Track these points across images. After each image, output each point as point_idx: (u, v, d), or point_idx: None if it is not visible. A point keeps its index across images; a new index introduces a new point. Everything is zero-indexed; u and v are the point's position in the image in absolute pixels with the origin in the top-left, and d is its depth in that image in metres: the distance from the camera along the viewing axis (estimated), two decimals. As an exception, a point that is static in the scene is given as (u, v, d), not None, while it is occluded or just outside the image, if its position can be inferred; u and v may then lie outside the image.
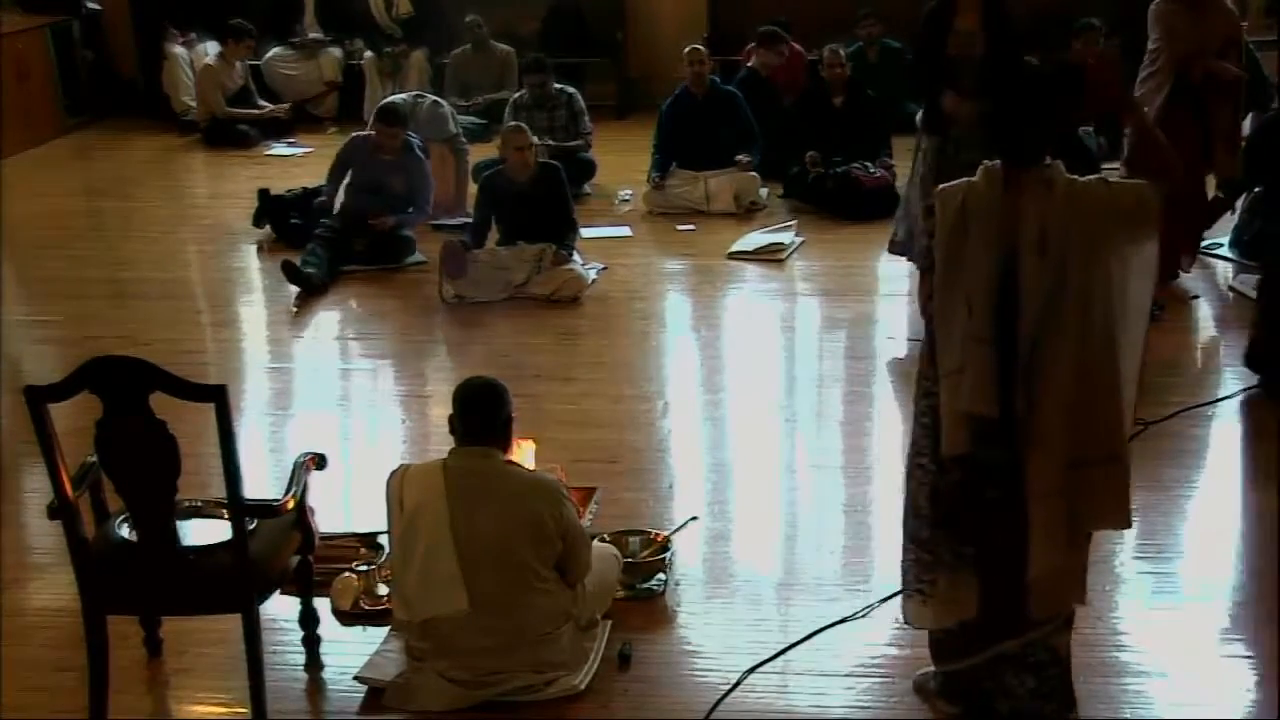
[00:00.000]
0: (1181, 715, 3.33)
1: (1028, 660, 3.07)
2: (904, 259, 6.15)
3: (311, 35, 10.29)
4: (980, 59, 5.59)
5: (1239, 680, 3.49)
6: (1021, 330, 2.81)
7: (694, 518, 4.24)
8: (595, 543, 3.73)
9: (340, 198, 7.19)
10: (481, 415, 3.39)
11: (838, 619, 3.73)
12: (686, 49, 8.14)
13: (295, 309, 6.46)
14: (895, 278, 6.49)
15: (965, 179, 2.89)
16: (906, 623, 3.23)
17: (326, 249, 6.75)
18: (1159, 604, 3.87)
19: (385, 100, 7.88)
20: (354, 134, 7.52)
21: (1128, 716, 3.32)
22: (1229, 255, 6.47)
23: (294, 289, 6.54)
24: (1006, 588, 2.96)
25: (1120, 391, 2.88)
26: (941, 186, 2.92)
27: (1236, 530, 4.28)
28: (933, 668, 3.30)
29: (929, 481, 3.00)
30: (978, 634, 3.07)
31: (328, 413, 5.44)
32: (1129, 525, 2.96)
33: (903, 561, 3.14)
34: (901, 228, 6.15)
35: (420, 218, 7.20)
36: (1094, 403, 2.85)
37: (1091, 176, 2.87)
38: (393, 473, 3.44)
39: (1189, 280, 6.34)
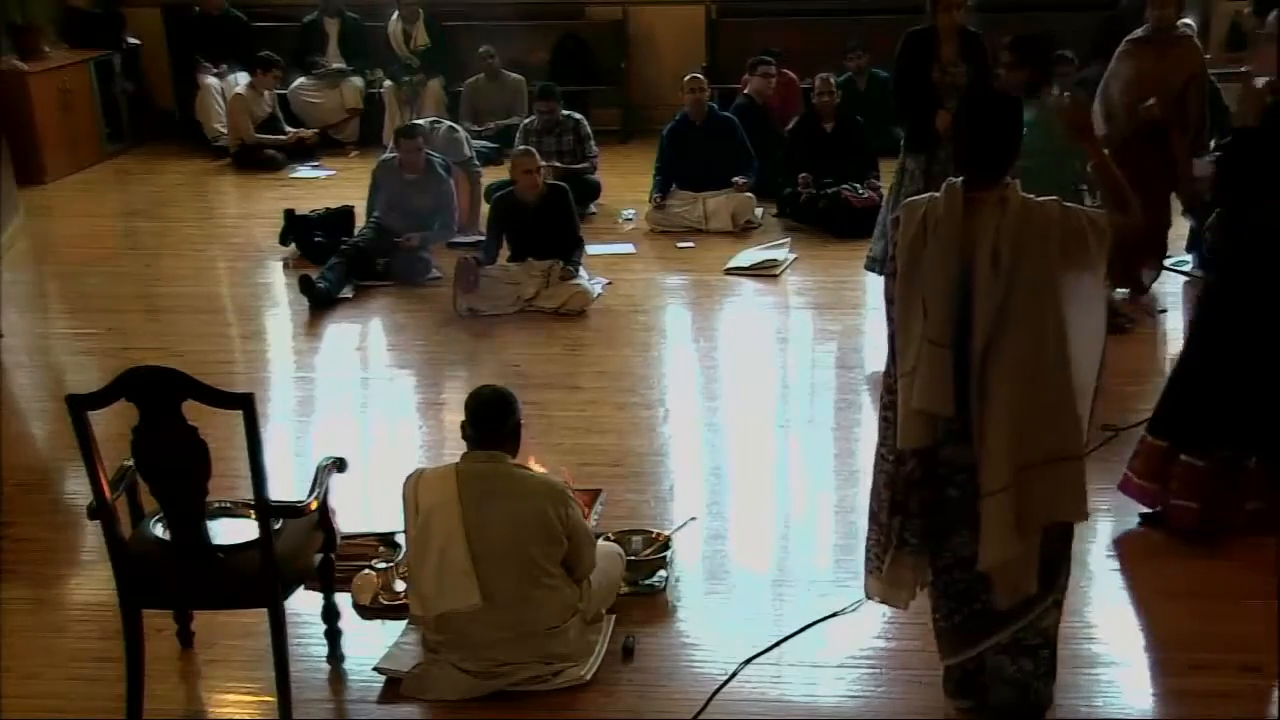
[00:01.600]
0: (1150, 705, 3.32)
1: (1022, 645, 3.06)
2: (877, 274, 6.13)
3: (334, 65, 10.31)
4: (965, 85, 5.60)
5: (1205, 673, 3.49)
6: (975, 336, 2.83)
7: (693, 518, 4.24)
8: (600, 542, 3.73)
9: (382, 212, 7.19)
10: (491, 422, 3.39)
11: (829, 613, 3.73)
12: (686, 77, 8.14)
13: (314, 313, 6.47)
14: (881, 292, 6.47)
15: (929, 194, 2.93)
16: (867, 597, 3.22)
17: (345, 266, 6.78)
18: (1129, 598, 3.87)
19: (406, 123, 7.90)
20: (381, 158, 7.52)
21: (1099, 705, 3.32)
22: (1194, 271, 6.46)
23: (308, 298, 6.56)
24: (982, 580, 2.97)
25: (1074, 398, 2.89)
26: (906, 200, 2.98)
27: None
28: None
29: (887, 470, 3.04)
30: (972, 627, 3.06)
31: (348, 419, 5.44)
32: (1085, 518, 2.97)
33: (865, 540, 3.17)
34: (879, 246, 6.12)
35: (446, 234, 7.20)
36: (1046, 407, 2.86)
37: (1049, 198, 2.89)
38: (408, 477, 3.44)
39: (1158, 293, 6.34)
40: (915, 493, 2.99)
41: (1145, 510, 4.19)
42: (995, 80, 5.50)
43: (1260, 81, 4.35)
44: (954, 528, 2.98)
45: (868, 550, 3.16)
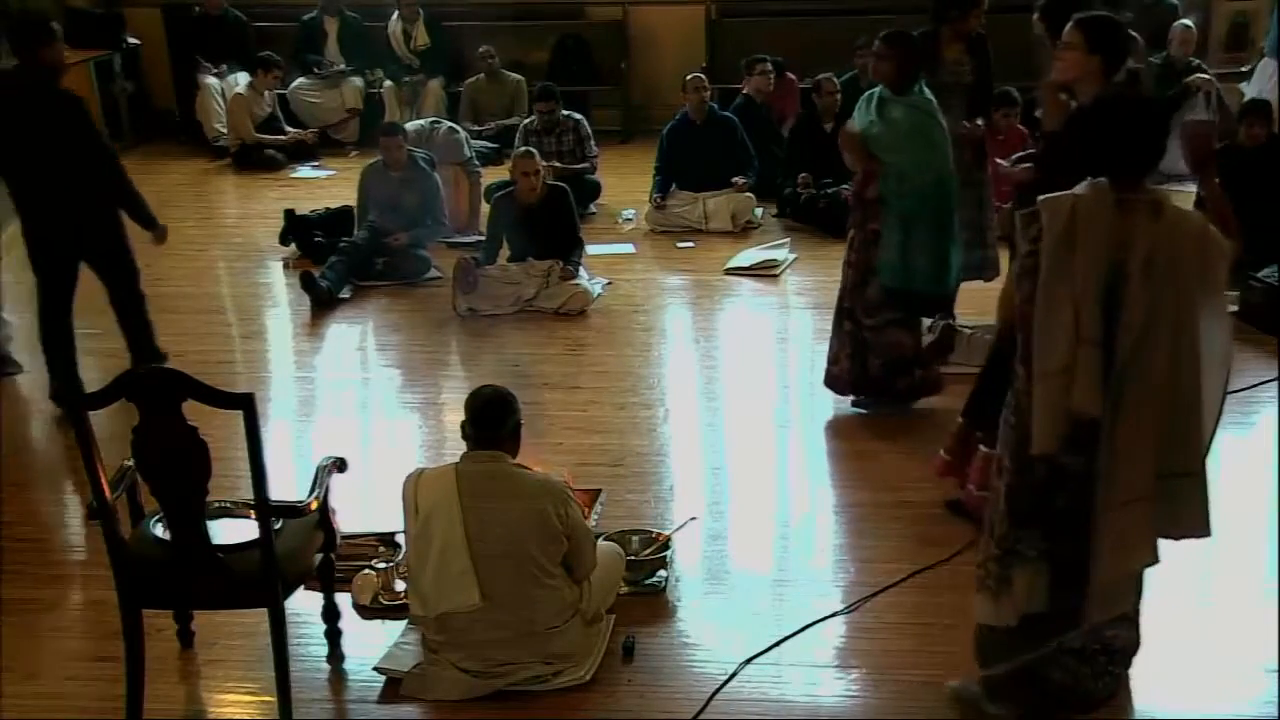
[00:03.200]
0: (1149, 705, 3.32)
1: (1083, 652, 3.05)
2: None
3: (334, 66, 10.31)
4: (971, 85, 5.58)
5: (1207, 671, 3.49)
6: (1122, 340, 2.79)
7: (693, 518, 4.24)
8: (600, 541, 3.73)
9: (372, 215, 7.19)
10: (491, 422, 3.39)
11: (829, 613, 3.73)
12: (687, 77, 8.14)
13: (315, 313, 6.48)
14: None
15: (1073, 191, 2.83)
16: (977, 620, 3.11)
17: (345, 265, 6.78)
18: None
19: (385, 121, 7.89)
20: (366, 164, 7.48)
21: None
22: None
23: (310, 295, 6.57)
24: (1074, 587, 2.93)
25: (1203, 411, 2.86)
26: (1047, 197, 2.83)
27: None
28: (975, 675, 3.21)
29: (1009, 481, 2.94)
30: (1036, 630, 3.01)
31: (348, 419, 5.44)
32: (1209, 534, 2.92)
33: (981, 559, 3.05)
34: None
35: (436, 231, 7.19)
36: (1179, 418, 2.83)
37: (1191, 209, 2.86)
38: (408, 477, 3.43)
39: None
40: (1043, 501, 2.90)
41: (950, 499, 4.24)
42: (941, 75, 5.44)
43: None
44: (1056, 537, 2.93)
45: (981, 568, 3.07)
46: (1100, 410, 2.78)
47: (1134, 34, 4.58)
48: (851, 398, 5.12)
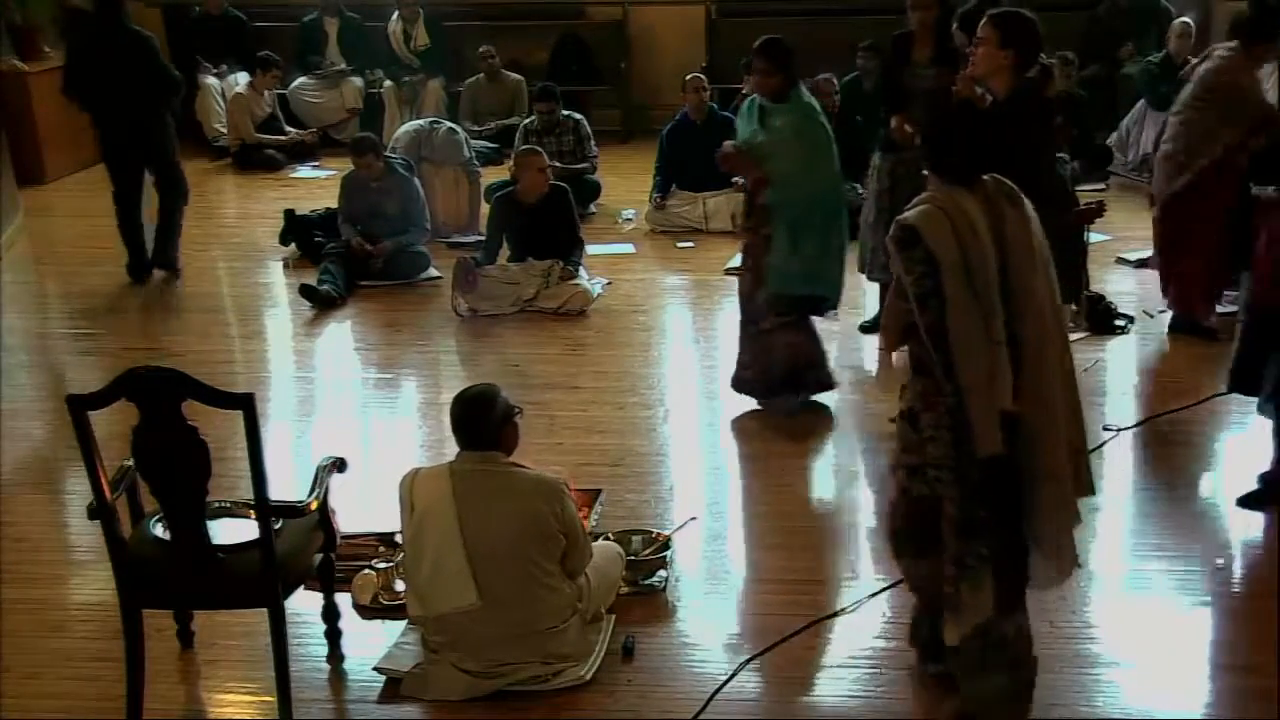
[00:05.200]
0: (1148, 705, 3.32)
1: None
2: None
3: (334, 66, 10.31)
4: (929, 90, 5.41)
5: (1205, 672, 3.49)
6: (1028, 329, 2.87)
7: (693, 518, 4.24)
8: (600, 541, 3.73)
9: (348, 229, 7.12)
10: (474, 424, 3.38)
11: (829, 613, 3.73)
12: (687, 77, 8.15)
13: (315, 313, 6.49)
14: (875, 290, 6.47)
15: (924, 206, 2.89)
16: (949, 645, 3.06)
17: (341, 265, 6.78)
18: (1130, 599, 3.87)
19: (358, 135, 7.80)
20: (346, 173, 7.34)
21: (1099, 705, 3.32)
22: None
23: (315, 304, 6.57)
24: (1012, 580, 3.02)
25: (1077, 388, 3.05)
26: (912, 217, 2.89)
27: (1207, 527, 4.28)
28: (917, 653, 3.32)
29: (948, 493, 2.94)
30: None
31: (348, 419, 5.44)
32: (1095, 493, 3.18)
33: (943, 586, 3.03)
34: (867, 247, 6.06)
35: (420, 235, 7.12)
36: (1073, 395, 3.01)
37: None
38: (404, 477, 3.44)
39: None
40: (984, 504, 2.92)
41: None
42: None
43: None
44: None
45: (935, 599, 3.06)
46: (1011, 404, 2.89)
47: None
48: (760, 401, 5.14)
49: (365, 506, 4.25)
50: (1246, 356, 4.32)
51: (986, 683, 3.07)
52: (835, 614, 3.73)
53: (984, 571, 2.95)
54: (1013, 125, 3.82)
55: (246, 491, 3.23)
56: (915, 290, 2.87)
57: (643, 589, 3.84)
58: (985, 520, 2.93)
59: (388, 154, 7.33)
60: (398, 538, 3.92)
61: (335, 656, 3.57)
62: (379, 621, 3.73)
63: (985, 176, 2.94)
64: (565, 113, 8.23)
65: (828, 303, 5.14)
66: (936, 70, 5.38)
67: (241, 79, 9.93)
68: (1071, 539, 3.02)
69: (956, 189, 2.90)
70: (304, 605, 3.60)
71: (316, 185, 9.04)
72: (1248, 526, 4.18)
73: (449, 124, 8.16)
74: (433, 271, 6.99)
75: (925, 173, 3.03)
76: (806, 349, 5.07)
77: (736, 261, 7.06)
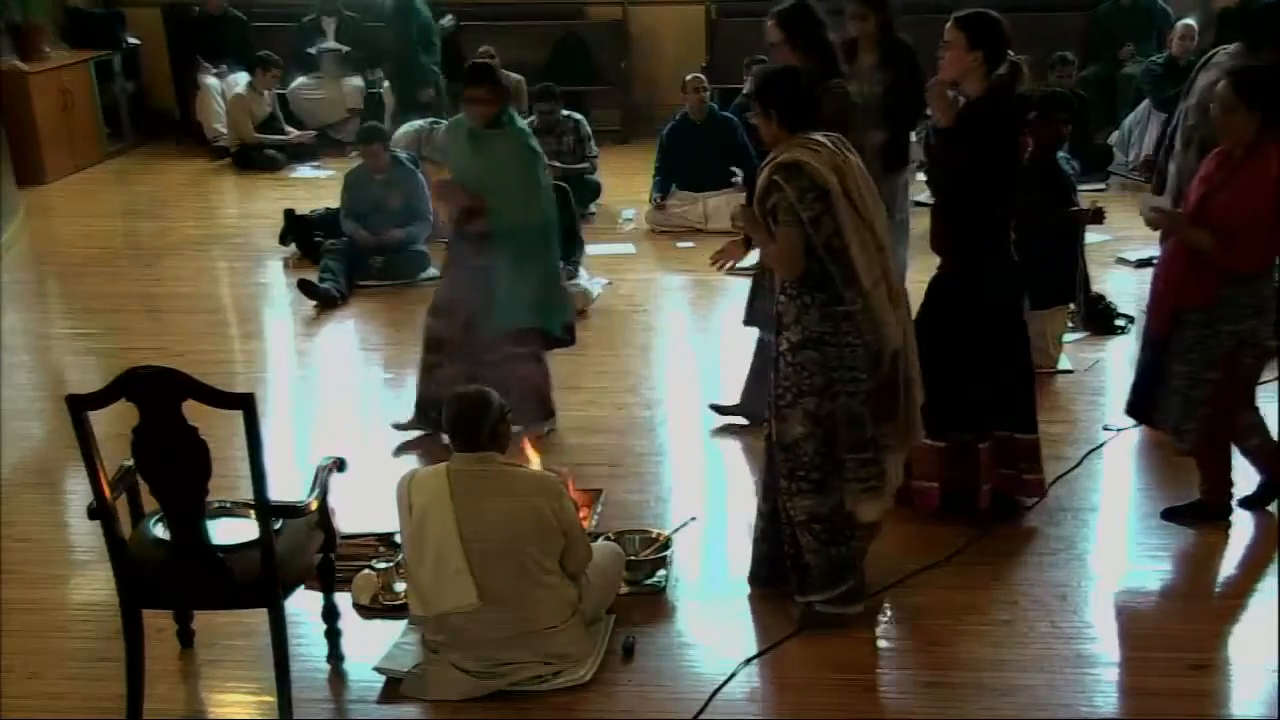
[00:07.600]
0: (1148, 705, 3.32)
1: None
2: None
3: (326, 47, 10.24)
4: (883, 96, 5.27)
5: (1205, 672, 3.49)
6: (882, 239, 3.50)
7: (693, 518, 4.24)
8: (600, 541, 3.73)
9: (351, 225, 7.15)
10: (468, 426, 3.38)
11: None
12: (686, 77, 8.14)
13: (315, 313, 6.49)
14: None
15: (794, 150, 3.39)
16: (860, 521, 3.56)
17: (341, 264, 6.78)
18: (1130, 599, 3.87)
19: (366, 125, 7.85)
20: (349, 169, 7.42)
21: (1100, 705, 3.32)
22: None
23: (315, 300, 6.57)
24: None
25: None
26: (790, 156, 3.39)
27: (1207, 528, 4.28)
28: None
29: (863, 389, 3.45)
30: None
31: (348, 419, 5.44)
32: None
33: (843, 476, 3.51)
34: None
35: (425, 228, 7.15)
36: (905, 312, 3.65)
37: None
38: (402, 478, 3.44)
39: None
40: (896, 388, 3.46)
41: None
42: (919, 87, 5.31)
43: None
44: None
45: (848, 483, 3.50)
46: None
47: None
48: None
49: (365, 506, 4.25)
50: (1139, 386, 4.32)
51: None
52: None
53: (890, 452, 3.53)
54: (990, 125, 3.88)
55: (246, 491, 3.23)
56: (808, 214, 3.35)
57: (643, 589, 3.84)
58: (899, 403, 3.47)
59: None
60: (397, 538, 3.92)
61: (335, 656, 3.57)
62: (379, 621, 3.73)
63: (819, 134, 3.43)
64: (565, 113, 8.22)
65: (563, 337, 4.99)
66: (885, 76, 5.27)
67: (241, 79, 9.93)
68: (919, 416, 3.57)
69: (806, 136, 3.40)
70: (304, 605, 3.60)
71: (316, 185, 9.04)
72: (1248, 527, 4.18)
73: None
74: (433, 271, 6.97)
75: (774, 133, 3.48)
76: (538, 378, 4.89)
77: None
